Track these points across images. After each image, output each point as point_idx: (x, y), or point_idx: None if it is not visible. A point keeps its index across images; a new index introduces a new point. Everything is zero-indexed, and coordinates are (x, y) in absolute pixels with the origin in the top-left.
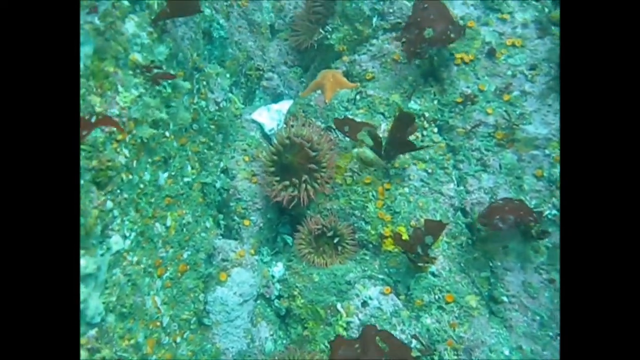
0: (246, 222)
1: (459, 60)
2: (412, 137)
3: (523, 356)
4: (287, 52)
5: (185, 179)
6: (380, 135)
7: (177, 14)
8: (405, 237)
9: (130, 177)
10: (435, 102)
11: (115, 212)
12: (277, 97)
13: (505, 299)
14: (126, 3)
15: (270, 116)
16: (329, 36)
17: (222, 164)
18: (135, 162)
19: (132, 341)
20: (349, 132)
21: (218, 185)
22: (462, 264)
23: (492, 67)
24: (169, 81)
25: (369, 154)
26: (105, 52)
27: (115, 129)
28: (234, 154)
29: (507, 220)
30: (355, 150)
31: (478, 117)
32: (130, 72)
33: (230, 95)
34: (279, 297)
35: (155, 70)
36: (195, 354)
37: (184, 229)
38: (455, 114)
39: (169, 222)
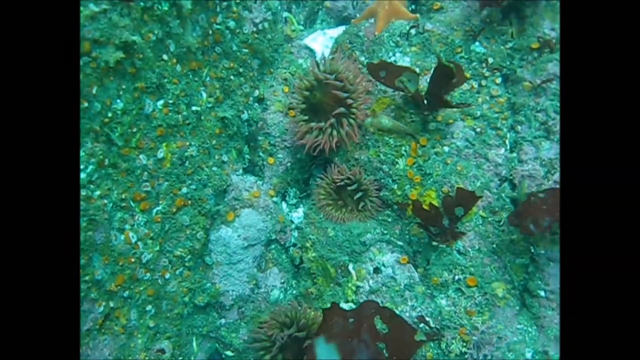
0: (270, 160)
1: None
2: (466, 87)
3: None
4: None
5: (194, 108)
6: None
7: None
8: (433, 203)
9: (86, 104)
10: (507, 45)
11: None
12: (341, 22)
13: (542, 293)
14: None
15: (324, 43)
16: None
17: (257, 93)
18: (95, 88)
19: (88, 277)
20: (385, 79)
21: (245, 116)
22: (495, 245)
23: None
24: None
25: (386, 122)
26: None
27: None
28: (273, 82)
29: (541, 225)
30: (369, 120)
31: (553, 71)
32: None
33: (287, 15)
34: (294, 245)
35: None
36: (192, 291)
37: (186, 162)
38: (526, 63)
39: (161, 154)
